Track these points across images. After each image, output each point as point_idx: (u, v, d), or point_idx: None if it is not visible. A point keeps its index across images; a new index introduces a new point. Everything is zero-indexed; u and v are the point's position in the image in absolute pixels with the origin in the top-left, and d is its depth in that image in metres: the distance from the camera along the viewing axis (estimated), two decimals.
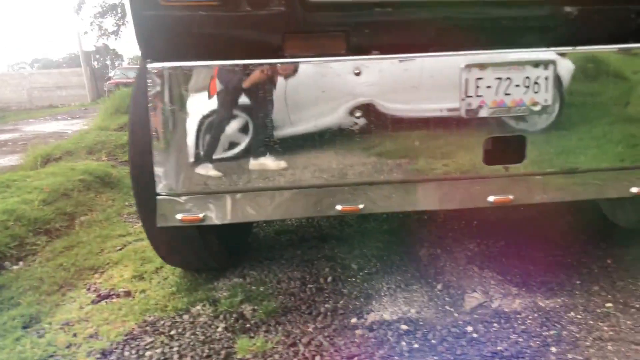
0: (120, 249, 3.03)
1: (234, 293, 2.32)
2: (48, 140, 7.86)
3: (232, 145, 1.82)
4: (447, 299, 2.19)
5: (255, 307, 2.20)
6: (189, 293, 2.37)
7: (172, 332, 2.06)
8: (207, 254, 2.37)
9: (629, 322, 1.94)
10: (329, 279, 2.43)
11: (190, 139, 1.81)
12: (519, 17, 1.89)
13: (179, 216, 1.89)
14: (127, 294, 2.44)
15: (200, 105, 1.80)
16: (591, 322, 1.96)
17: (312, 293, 2.31)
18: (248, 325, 2.08)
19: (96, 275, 2.70)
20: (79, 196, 3.78)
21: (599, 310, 2.04)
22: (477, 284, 2.30)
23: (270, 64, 1.79)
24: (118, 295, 2.43)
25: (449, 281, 2.33)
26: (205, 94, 1.80)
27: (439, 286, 2.29)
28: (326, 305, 2.18)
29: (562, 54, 1.85)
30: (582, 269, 2.40)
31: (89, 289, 2.54)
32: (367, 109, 1.82)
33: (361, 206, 1.93)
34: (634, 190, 2.01)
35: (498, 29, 1.90)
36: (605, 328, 1.92)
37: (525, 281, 2.31)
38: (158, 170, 1.85)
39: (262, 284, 2.42)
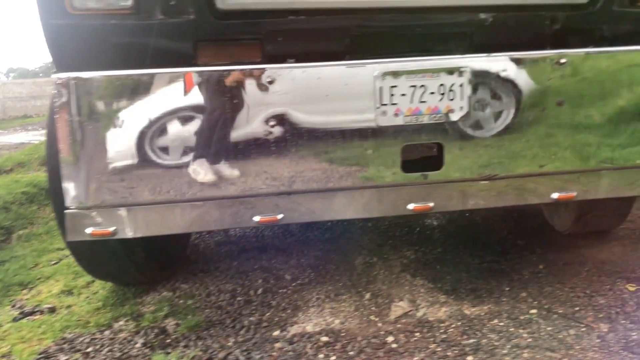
0: (55, 263, 2.95)
1: (160, 307, 2.27)
2: (12, 152, 7.69)
3: (141, 157, 1.77)
4: (373, 308, 2.16)
5: (179, 322, 2.15)
6: (114, 308, 2.31)
7: (89, 350, 2.00)
8: (133, 267, 2.30)
9: (549, 329, 1.93)
10: (260, 290, 2.38)
11: (97, 152, 1.76)
12: (434, 24, 1.88)
13: (88, 230, 1.83)
14: (52, 310, 2.36)
15: (106, 116, 1.75)
16: (512, 329, 1.95)
17: (240, 306, 2.26)
18: (168, 341, 2.02)
19: (24, 291, 2.62)
20: (20, 209, 3.68)
21: (522, 317, 2.03)
22: (407, 292, 2.27)
23: (181, 73, 1.75)
24: (42, 312, 2.35)
25: (379, 290, 2.31)
26: (112, 104, 1.75)
27: (368, 295, 2.26)
28: (251, 318, 2.14)
29: (477, 61, 1.85)
30: (513, 275, 2.40)
31: (13, 306, 2.46)
32: (282, 118, 1.79)
33: (280, 216, 1.89)
34: (554, 195, 2.01)
35: (412, 36, 1.89)
36: (525, 335, 1.91)
37: (455, 288, 2.29)
38: (66, 184, 1.80)
39: (191, 297, 2.36)
